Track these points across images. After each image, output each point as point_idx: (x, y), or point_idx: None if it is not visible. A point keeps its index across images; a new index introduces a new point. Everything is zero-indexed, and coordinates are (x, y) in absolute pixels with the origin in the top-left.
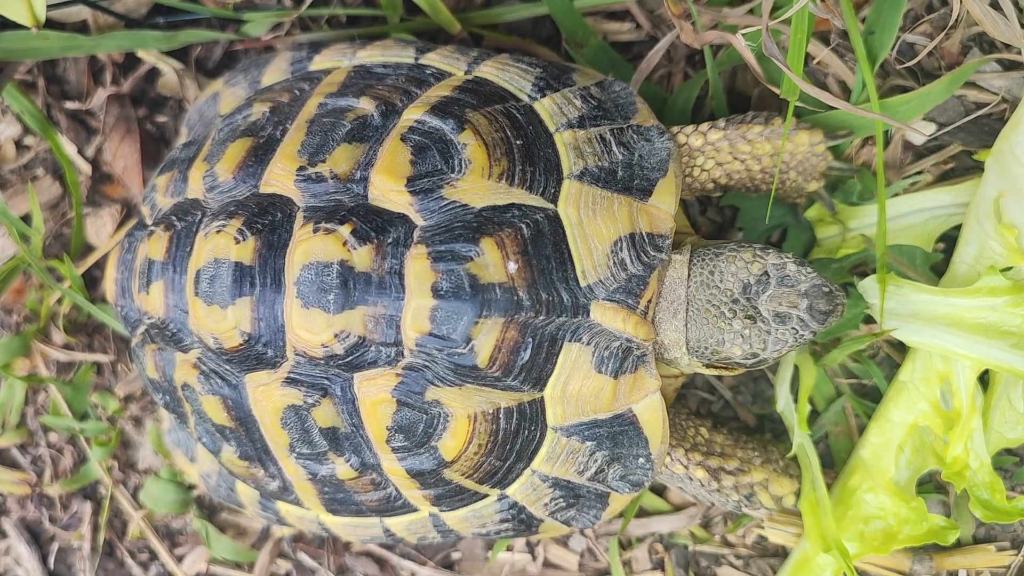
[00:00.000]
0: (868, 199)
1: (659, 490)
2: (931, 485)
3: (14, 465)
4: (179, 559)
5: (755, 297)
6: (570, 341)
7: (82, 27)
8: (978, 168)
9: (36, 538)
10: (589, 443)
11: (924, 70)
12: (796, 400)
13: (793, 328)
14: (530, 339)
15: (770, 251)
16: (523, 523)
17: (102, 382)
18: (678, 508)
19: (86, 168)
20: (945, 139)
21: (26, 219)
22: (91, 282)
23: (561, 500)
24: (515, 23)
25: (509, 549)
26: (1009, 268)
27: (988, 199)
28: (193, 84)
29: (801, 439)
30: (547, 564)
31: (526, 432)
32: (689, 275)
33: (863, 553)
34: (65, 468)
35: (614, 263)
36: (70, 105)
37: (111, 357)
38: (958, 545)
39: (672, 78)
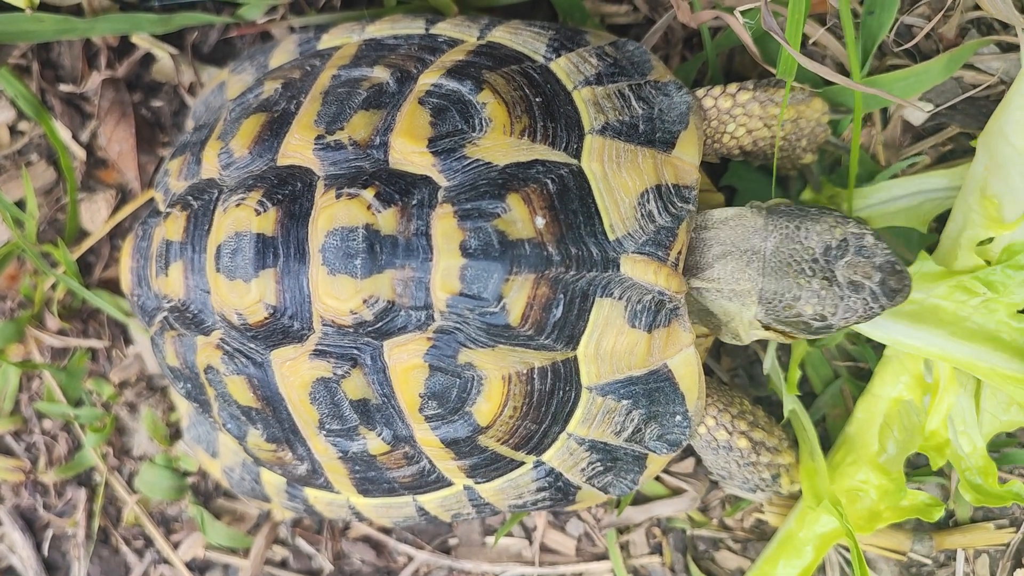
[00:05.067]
0: (864, 182)
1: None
2: (928, 468)
3: (8, 452)
4: (175, 545)
5: (833, 261)
6: (602, 296)
7: (77, 10)
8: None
9: (30, 525)
10: (625, 402)
11: (922, 53)
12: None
13: (864, 299)
14: (561, 295)
15: (850, 220)
16: (560, 491)
17: (97, 368)
18: (676, 492)
19: (81, 153)
20: (943, 121)
21: (20, 204)
22: (85, 267)
23: (598, 464)
24: (512, 6)
25: (508, 535)
26: (990, 240)
27: (977, 177)
28: (189, 69)
29: (795, 405)
30: (544, 549)
31: (561, 393)
32: (769, 227)
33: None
34: (59, 455)
35: (642, 215)
36: (65, 89)
37: (106, 343)
38: (956, 525)
39: (669, 61)
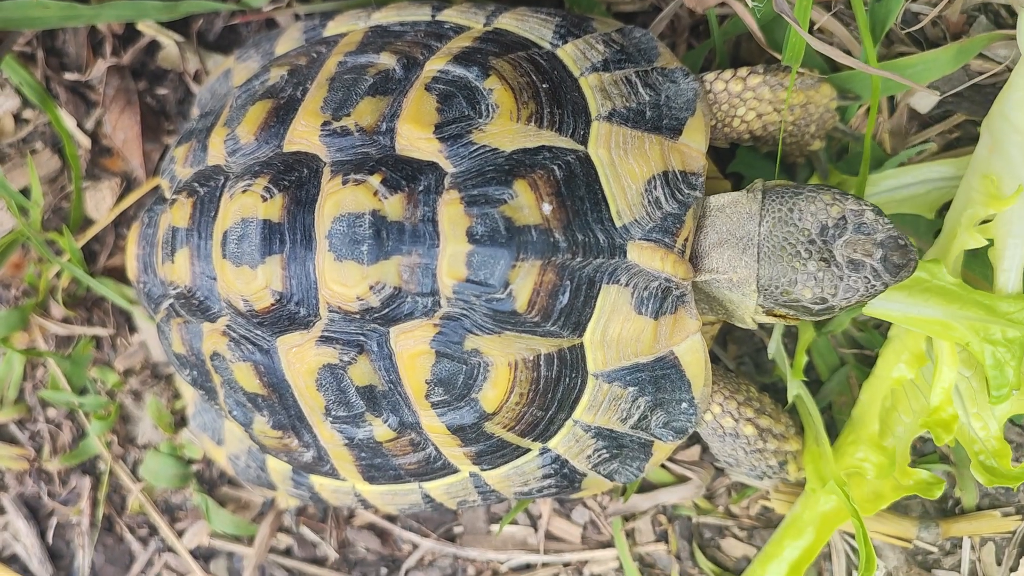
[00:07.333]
0: (872, 170)
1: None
2: (935, 455)
3: (12, 440)
4: (179, 533)
5: (831, 240)
6: (608, 283)
7: None
8: None
9: (35, 513)
10: (631, 389)
11: (929, 40)
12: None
13: (865, 277)
14: (568, 282)
15: (849, 197)
16: (566, 478)
17: (101, 356)
18: (682, 480)
19: (85, 141)
20: (949, 108)
21: (25, 192)
22: (90, 255)
23: (604, 451)
24: None
25: (513, 523)
26: (990, 219)
27: (980, 159)
28: (194, 57)
29: (800, 389)
30: (549, 536)
31: (567, 380)
32: (763, 212)
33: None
34: (64, 443)
35: (648, 202)
36: (69, 77)
37: (110, 331)
38: (963, 512)
39: (676, 48)
